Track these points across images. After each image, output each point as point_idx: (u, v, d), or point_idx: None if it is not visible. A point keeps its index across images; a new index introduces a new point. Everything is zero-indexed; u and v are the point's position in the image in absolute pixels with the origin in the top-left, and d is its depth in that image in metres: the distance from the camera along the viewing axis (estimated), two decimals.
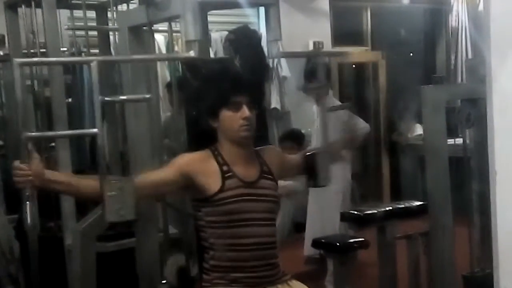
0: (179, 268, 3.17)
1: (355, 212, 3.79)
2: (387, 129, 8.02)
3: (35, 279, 3.90)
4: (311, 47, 7.24)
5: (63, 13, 4.16)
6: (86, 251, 3.14)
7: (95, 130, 2.32)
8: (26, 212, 2.23)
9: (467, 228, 3.59)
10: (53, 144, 3.83)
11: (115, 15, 3.89)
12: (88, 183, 2.38)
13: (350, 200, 5.24)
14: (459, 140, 3.72)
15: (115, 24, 3.78)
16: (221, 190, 2.43)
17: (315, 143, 5.24)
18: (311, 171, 2.76)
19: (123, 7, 3.99)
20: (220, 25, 6.18)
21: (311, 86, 5.04)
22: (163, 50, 6.03)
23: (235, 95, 2.43)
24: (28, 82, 4.17)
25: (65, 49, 4.60)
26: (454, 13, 8.33)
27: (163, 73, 5.95)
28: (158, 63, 5.14)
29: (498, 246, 1.63)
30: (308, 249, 5.07)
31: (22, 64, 2.44)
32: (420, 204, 3.72)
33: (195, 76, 2.75)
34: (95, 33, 4.43)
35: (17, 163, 2.22)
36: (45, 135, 3.55)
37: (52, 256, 3.64)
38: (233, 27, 3.77)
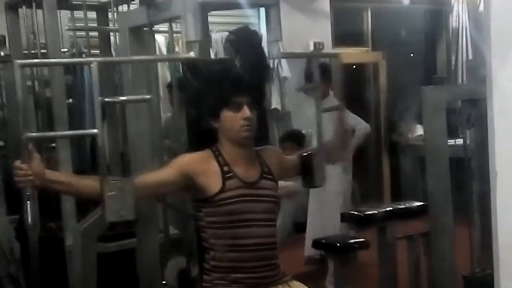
0: (179, 271, 3.17)
1: (356, 213, 3.79)
2: (387, 130, 8.02)
3: (35, 279, 3.91)
4: (311, 48, 7.24)
5: (64, 14, 4.16)
6: (86, 251, 3.14)
7: (95, 130, 2.32)
8: (27, 212, 2.23)
9: (467, 229, 3.59)
10: (53, 144, 3.83)
11: (115, 16, 3.89)
12: (88, 183, 2.38)
13: (350, 200, 5.24)
14: (460, 141, 3.72)
15: (116, 25, 3.79)
16: (222, 190, 2.43)
17: (315, 143, 5.23)
18: (307, 171, 2.77)
19: (123, 7, 3.99)
20: (221, 25, 6.19)
21: (310, 86, 5.04)
22: (164, 51, 6.04)
23: (235, 95, 2.44)
24: (29, 83, 4.17)
25: (65, 49, 4.61)
26: (454, 13, 8.33)
27: (164, 73, 5.95)
28: (159, 64, 5.15)
29: (498, 246, 1.63)
30: (308, 250, 5.07)
31: (23, 65, 2.44)
32: (421, 205, 3.73)
33: (196, 76, 2.75)
34: (95, 33, 4.43)
35: (18, 163, 2.22)
36: (45, 136, 3.55)
37: (52, 256, 3.65)
38: (234, 27, 3.76)
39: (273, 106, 6.83)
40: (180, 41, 4.52)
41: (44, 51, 3.68)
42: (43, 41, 3.61)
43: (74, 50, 4.59)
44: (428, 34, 8.86)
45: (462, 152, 3.63)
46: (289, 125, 6.92)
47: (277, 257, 2.54)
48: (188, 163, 2.47)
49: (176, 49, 4.56)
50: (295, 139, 5.72)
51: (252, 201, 2.46)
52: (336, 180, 4.49)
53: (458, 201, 3.39)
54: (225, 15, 5.92)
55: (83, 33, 4.10)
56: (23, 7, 3.95)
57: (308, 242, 4.90)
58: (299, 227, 5.32)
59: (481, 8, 7.46)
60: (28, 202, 2.22)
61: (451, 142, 3.56)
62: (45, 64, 3.68)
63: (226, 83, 2.46)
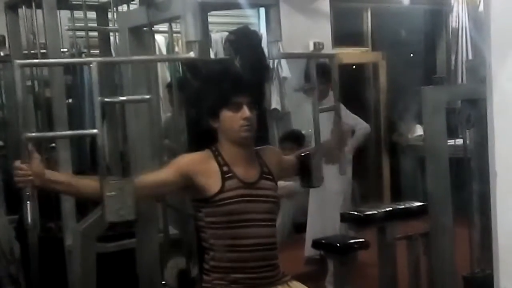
0: (179, 271, 3.17)
1: (355, 213, 3.79)
2: (387, 130, 8.02)
3: (35, 279, 3.91)
4: (311, 48, 7.24)
5: (64, 14, 4.16)
6: (86, 251, 3.14)
7: (95, 130, 2.32)
8: (27, 212, 2.23)
9: (467, 229, 3.59)
10: (53, 144, 3.83)
11: (115, 16, 3.90)
12: (88, 183, 2.38)
13: (350, 200, 5.24)
14: (459, 141, 3.72)
15: (116, 25, 3.79)
16: (221, 190, 2.43)
17: (315, 144, 5.23)
18: (305, 171, 2.77)
19: (123, 7, 3.99)
20: (221, 25, 6.19)
21: (308, 86, 5.04)
22: (164, 51, 6.04)
23: (235, 95, 2.44)
24: (29, 83, 4.17)
25: (65, 50, 4.61)
26: (454, 13, 8.33)
27: (164, 73, 5.95)
28: (159, 64, 5.15)
29: (498, 246, 1.63)
30: (308, 250, 5.07)
31: (23, 65, 2.44)
32: (420, 205, 3.73)
33: (196, 76, 2.76)
34: (95, 33, 4.43)
35: (17, 163, 2.22)
36: (45, 136, 3.55)
37: (52, 256, 3.64)
38: (234, 27, 3.77)
39: (273, 106, 6.83)
40: (180, 41, 4.52)
41: (44, 51, 3.68)
42: (43, 41, 3.61)
43: (74, 50, 4.59)
44: (428, 34, 8.86)
45: (462, 152, 3.63)
46: (288, 125, 6.92)
47: (277, 257, 2.54)
48: (188, 163, 2.47)
49: (176, 49, 4.57)
50: (295, 139, 5.73)
51: (251, 201, 2.46)
52: (336, 180, 4.48)
53: (458, 201, 3.39)
54: (225, 15, 5.92)
55: (82, 33, 4.10)
56: (23, 7, 3.95)
57: (308, 242, 4.90)
58: (299, 227, 5.32)
59: (481, 8, 7.47)
60: (28, 202, 2.22)
61: (451, 142, 3.56)
62: (45, 64, 3.69)
63: (226, 83, 2.46)
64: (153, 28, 3.15)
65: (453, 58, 8.35)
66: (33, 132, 3.31)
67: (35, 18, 3.82)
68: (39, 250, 3.89)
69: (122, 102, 3.00)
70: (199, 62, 2.71)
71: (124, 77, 3.22)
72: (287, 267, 2.65)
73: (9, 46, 4.30)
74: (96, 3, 4.58)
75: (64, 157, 3.44)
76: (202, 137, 2.57)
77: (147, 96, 2.70)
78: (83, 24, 3.97)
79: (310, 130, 5.59)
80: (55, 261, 3.53)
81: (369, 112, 7.99)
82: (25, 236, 3.86)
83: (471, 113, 3.43)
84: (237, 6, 2.87)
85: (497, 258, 1.64)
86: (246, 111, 2.43)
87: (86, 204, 3.37)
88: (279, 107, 6.90)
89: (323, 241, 4.21)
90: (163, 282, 3.17)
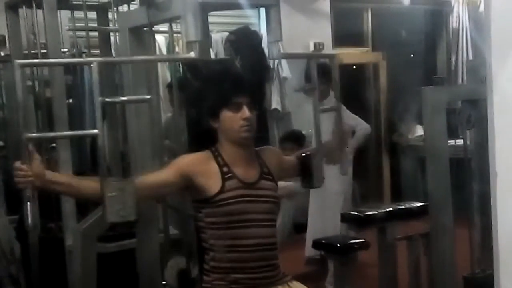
0: (179, 271, 3.17)
1: (356, 213, 3.79)
2: (387, 130, 8.02)
3: (35, 279, 3.91)
4: (311, 48, 7.24)
5: (64, 14, 4.16)
6: (86, 252, 3.14)
7: (95, 131, 2.32)
8: (27, 213, 2.23)
9: (467, 229, 3.59)
10: (53, 145, 3.83)
11: (116, 16, 3.89)
12: (89, 184, 2.38)
13: (351, 201, 5.24)
14: (460, 141, 3.72)
15: (116, 25, 3.79)
16: (221, 191, 2.43)
17: (315, 144, 5.23)
18: (306, 172, 2.77)
19: (124, 8, 3.99)
20: (221, 26, 6.19)
21: (309, 86, 5.04)
22: (164, 51, 6.04)
23: (235, 95, 2.43)
24: (29, 83, 4.17)
25: (66, 50, 4.61)
26: (454, 14, 8.33)
27: (164, 73, 5.95)
28: (159, 64, 5.15)
29: (498, 247, 1.63)
30: (308, 250, 5.07)
31: (23, 65, 2.43)
32: (421, 205, 3.73)
33: (196, 76, 2.76)
34: (96, 34, 4.43)
35: (18, 163, 2.22)
36: (46, 136, 3.55)
37: (52, 257, 3.64)
38: (234, 28, 3.77)
39: (273, 107, 6.83)
40: (180, 41, 4.52)
41: (44, 51, 3.68)
42: (43, 41, 3.60)
43: (74, 50, 4.59)
44: (428, 34, 8.86)
45: (462, 152, 3.63)
46: (289, 126, 6.92)
47: (277, 258, 2.54)
48: (188, 163, 2.47)
49: (176, 49, 4.56)
50: (295, 139, 5.73)
51: (251, 202, 2.46)
52: (336, 180, 4.48)
53: (458, 202, 3.39)
54: (225, 15, 5.92)
55: (83, 33, 4.09)
56: (23, 7, 3.95)
57: (309, 242, 4.90)
58: (299, 227, 5.32)
59: (481, 8, 7.47)
60: (28, 203, 2.22)
61: (451, 142, 3.56)
62: (46, 64, 3.68)
63: (226, 83, 2.46)
64: (153, 28, 3.15)
65: (453, 58, 8.35)
66: (34, 133, 3.31)
67: (35, 18, 3.82)
68: (39, 250, 3.89)
69: (123, 102, 2.99)
70: (199, 62, 2.71)
71: (124, 77, 3.22)
72: (288, 267, 2.65)
73: (9, 46, 4.30)
74: (97, 3, 4.58)
75: (64, 157, 3.44)
76: (202, 137, 2.57)
77: (148, 97, 2.70)
78: (83, 24, 3.97)
79: (310, 130, 5.59)
80: (56, 261, 3.53)
81: (369, 113, 7.99)
82: (25, 236, 3.86)
83: (472, 113, 3.43)
84: (237, 6, 2.87)
85: (497, 258, 1.64)
86: (246, 112, 2.43)
87: (86, 204, 3.37)
88: (279, 107, 6.90)
89: (323, 241, 4.21)
90: (164, 282, 3.17)
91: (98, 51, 4.41)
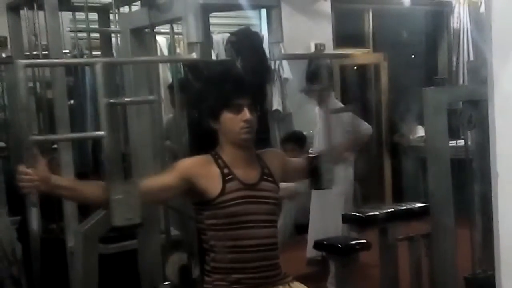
0: (181, 266, 3.17)
1: (357, 214, 3.78)
2: (389, 131, 8.02)
3: (37, 280, 3.91)
4: (312, 49, 7.25)
5: (65, 15, 4.16)
6: (88, 252, 3.14)
7: (101, 132, 2.31)
8: (31, 218, 2.22)
9: (469, 230, 3.58)
10: (55, 146, 3.83)
11: (117, 17, 3.90)
12: (93, 187, 2.36)
13: (352, 201, 5.24)
14: (461, 142, 3.72)
15: (117, 26, 3.79)
16: (222, 193, 2.42)
17: (317, 145, 5.24)
18: (316, 173, 2.76)
19: (125, 9, 4.00)
20: (222, 27, 6.20)
21: (313, 88, 5.05)
22: (165, 52, 6.05)
23: (236, 97, 2.43)
24: (30, 84, 4.17)
25: (67, 51, 4.61)
26: (455, 15, 8.33)
27: (165, 75, 5.96)
28: (160, 65, 5.15)
29: (500, 247, 1.64)
30: (310, 251, 5.07)
31: (27, 66, 2.43)
32: (422, 206, 3.72)
33: (197, 78, 2.76)
34: (97, 35, 4.43)
35: (23, 167, 2.18)
36: (51, 138, 3.50)
37: (54, 257, 3.65)
38: (235, 29, 3.77)
39: (274, 108, 6.83)
40: (181, 43, 4.52)
41: (46, 52, 3.68)
42: (45, 43, 3.61)
43: (76, 51, 4.59)
44: (429, 35, 8.86)
45: (464, 153, 3.63)
46: (290, 127, 6.92)
47: (278, 257, 2.54)
48: (189, 166, 2.46)
49: (178, 50, 4.57)
50: (296, 140, 5.73)
51: (252, 203, 2.46)
52: (338, 181, 4.48)
53: (459, 202, 3.39)
54: (226, 16, 5.92)
55: (84, 34, 4.09)
56: (25, 8, 3.95)
57: (310, 243, 4.90)
58: (301, 228, 5.32)
59: (482, 9, 7.46)
60: (33, 208, 2.19)
61: (452, 143, 3.56)
62: (49, 65, 3.66)
63: (227, 84, 2.46)
64: (154, 30, 3.15)
65: (454, 59, 8.35)
66: (36, 134, 3.31)
67: (37, 19, 3.82)
68: (41, 251, 3.89)
69: (128, 103, 2.99)
70: (200, 63, 2.71)
71: (125, 78, 3.22)
72: (289, 268, 2.65)
73: (11, 48, 4.30)
74: (98, 5, 4.58)
75: (66, 159, 3.44)
76: (203, 138, 2.57)
77: (152, 98, 2.71)
78: (84, 26, 3.97)
79: (311, 131, 5.61)
80: (57, 262, 3.53)
81: (370, 113, 7.98)
82: (27, 237, 3.86)
83: (473, 114, 3.43)
84: (238, 8, 2.87)
85: (498, 259, 1.64)
86: (246, 113, 2.43)
87: (87, 206, 3.37)
88: (280, 108, 6.90)
89: (324, 242, 4.21)
90: (165, 283, 3.17)
91: (99, 53, 4.41)
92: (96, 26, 4.39)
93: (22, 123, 2.26)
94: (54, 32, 3.48)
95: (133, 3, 3.89)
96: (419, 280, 3.72)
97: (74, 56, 4.60)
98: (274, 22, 2.70)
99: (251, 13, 4.63)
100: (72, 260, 3.32)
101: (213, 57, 4.79)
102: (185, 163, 2.50)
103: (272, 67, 6.42)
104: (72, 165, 3.46)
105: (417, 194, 6.11)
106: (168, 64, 5.57)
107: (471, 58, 8.10)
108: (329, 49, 7.40)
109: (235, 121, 2.44)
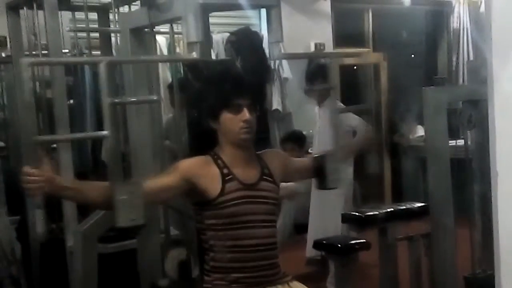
0: (179, 262, 3.16)
1: (357, 214, 3.78)
2: (388, 131, 8.01)
3: (36, 280, 3.91)
4: (312, 49, 7.24)
5: (65, 15, 4.16)
6: (87, 252, 3.14)
7: (105, 132, 2.30)
8: (38, 220, 2.19)
9: (468, 230, 3.58)
10: (54, 145, 3.83)
11: (117, 17, 3.90)
12: (97, 188, 2.34)
13: (351, 201, 5.24)
14: (461, 142, 3.72)
15: (117, 26, 3.79)
16: (222, 193, 2.42)
17: (316, 144, 5.24)
18: (322, 173, 2.76)
19: (125, 9, 3.99)
20: (222, 26, 6.19)
21: (313, 88, 5.05)
22: (165, 52, 6.04)
23: (236, 97, 2.43)
24: (30, 84, 4.17)
25: (66, 50, 4.61)
26: (455, 14, 8.33)
27: (165, 74, 5.96)
28: (160, 65, 5.15)
29: (499, 247, 1.64)
30: (309, 251, 5.07)
31: (31, 64, 2.41)
32: (422, 206, 3.72)
33: (197, 77, 2.76)
34: (96, 35, 4.43)
35: (27, 168, 2.14)
36: (55, 139, 3.44)
37: (53, 257, 3.65)
38: (235, 28, 3.77)
39: (274, 107, 6.83)
40: (181, 42, 4.52)
41: (45, 52, 3.68)
42: (44, 42, 3.61)
43: (75, 51, 4.59)
44: (429, 35, 8.86)
45: (463, 153, 3.63)
46: (290, 126, 6.92)
47: (277, 257, 2.54)
48: (189, 167, 2.46)
49: (177, 50, 4.56)
50: (296, 140, 5.73)
51: (251, 203, 2.46)
52: None
53: (459, 202, 3.39)
54: (226, 16, 5.92)
55: (84, 34, 4.09)
56: (24, 8, 3.95)
57: (309, 243, 4.90)
58: (300, 228, 5.32)
59: (482, 9, 7.46)
60: (37, 209, 2.17)
61: (452, 143, 3.56)
62: (53, 63, 3.63)
63: (227, 84, 2.46)
64: (154, 29, 3.15)
65: (454, 59, 8.35)
66: (35, 134, 3.31)
67: (36, 19, 3.82)
68: (40, 251, 3.89)
69: (130, 103, 2.98)
70: (200, 63, 2.71)
71: (125, 78, 3.22)
72: (288, 268, 2.65)
73: (10, 47, 4.30)
74: (98, 4, 4.58)
75: (65, 158, 3.43)
76: (202, 138, 2.56)
77: (155, 97, 2.71)
78: (84, 25, 3.97)
79: (311, 131, 5.61)
80: (57, 262, 3.53)
81: (370, 113, 7.98)
82: (26, 237, 3.87)
83: (472, 113, 3.43)
84: (238, 7, 2.87)
85: (498, 259, 1.64)
86: (246, 114, 2.43)
87: (87, 206, 3.37)
88: (280, 108, 6.90)
89: (324, 241, 4.21)
90: (164, 279, 3.17)
91: (99, 52, 4.41)
92: (96, 26, 4.39)
93: (26, 123, 2.24)
94: (54, 31, 3.48)
95: (133, 3, 3.89)
96: (418, 280, 3.71)
97: (74, 56, 4.59)
98: (274, 21, 2.70)
99: (251, 13, 4.63)
100: (71, 259, 3.32)
101: (213, 57, 4.80)
102: (185, 164, 2.49)
103: (272, 67, 6.42)
104: (71, 164, 3.45)
105: (417, 194, 6.12)
106: (168, 63, 5.58)
107: (471, 58, 8.10)
108: (329, 48, 7.40)
109: (235, 121, 2.44)
